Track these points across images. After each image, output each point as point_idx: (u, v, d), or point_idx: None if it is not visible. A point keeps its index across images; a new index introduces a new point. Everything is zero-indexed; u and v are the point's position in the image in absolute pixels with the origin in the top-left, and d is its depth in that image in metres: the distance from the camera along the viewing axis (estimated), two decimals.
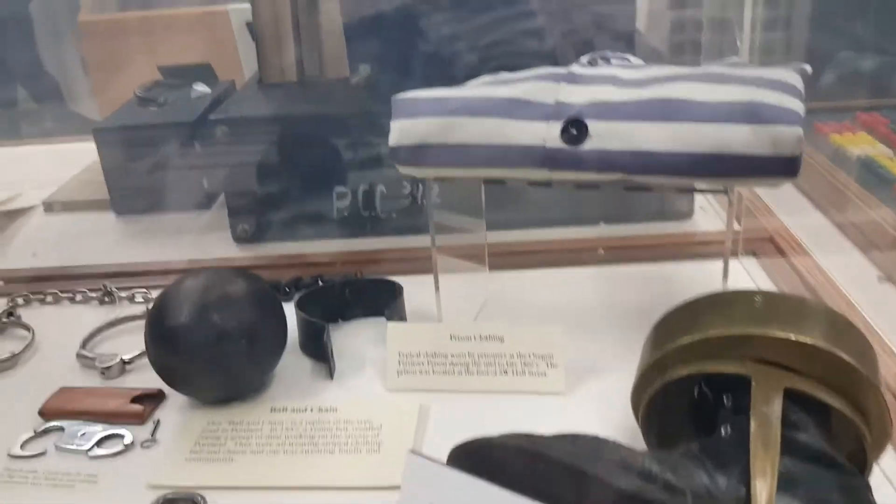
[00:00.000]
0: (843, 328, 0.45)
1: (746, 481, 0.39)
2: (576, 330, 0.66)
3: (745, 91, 0.48)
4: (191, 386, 0.58)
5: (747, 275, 0.73)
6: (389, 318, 0.64)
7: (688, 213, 0.81)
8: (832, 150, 0.88)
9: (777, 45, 1.08)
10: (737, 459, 0.40)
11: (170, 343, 0.56)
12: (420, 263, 0.77)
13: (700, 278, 0.73)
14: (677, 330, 0.47)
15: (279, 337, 0.60)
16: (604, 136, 0.50)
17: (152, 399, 0.61)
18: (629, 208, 0.81)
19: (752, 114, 0.47)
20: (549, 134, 0.51)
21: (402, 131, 0.55)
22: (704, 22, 0.87)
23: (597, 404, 0.57)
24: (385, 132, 0.81)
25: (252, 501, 0.51)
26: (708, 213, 0.83)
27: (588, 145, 0.50)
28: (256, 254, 0.83)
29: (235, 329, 0.56)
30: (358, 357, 0.65)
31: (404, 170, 0.57)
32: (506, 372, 0.59)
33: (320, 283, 0.75)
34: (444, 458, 0.44)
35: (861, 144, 0.87)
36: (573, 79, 0.53)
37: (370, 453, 0.54)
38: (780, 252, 0.73)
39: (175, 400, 0.61)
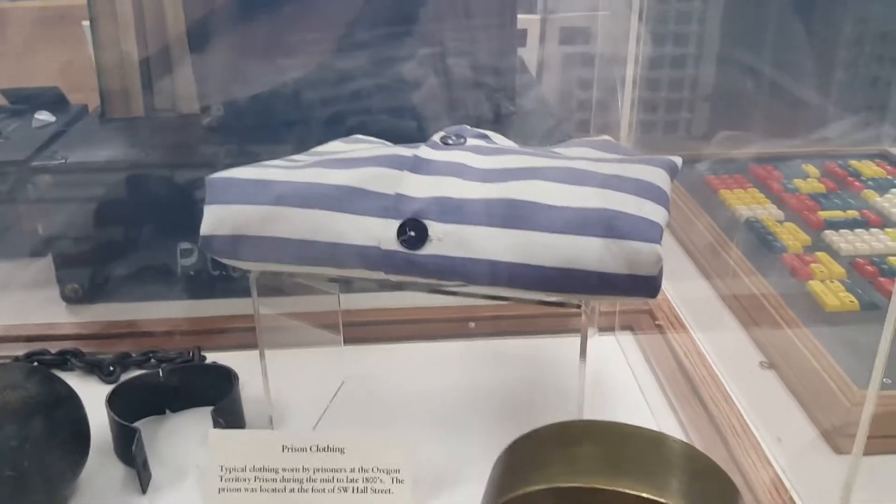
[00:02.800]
0: (709, 478, 0.39)
1: None
2: (436, 425, 0.60)
3: (602, 196, 0.42)
4: None
5: (622, 353, 0.68)
6: (218, 417, 0.56)
7: None
8: (720, 208, 0.83)
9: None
10: None
11: None
12: (276, 334, 0.69)
13: (572, 356, 0.67)
14: (519, 473, 0.40)
15: (78, 450, 0.51)
16: (444, 240, 0.43)
17: None
18: None
19: (607, 226, 0.41)
20: (384, 234, 0.44)
21: (215, 219, 0.47)
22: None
23: None
24: None
25: None
26: None
27: (427, 249, 0.43)
28: (86, 318, 0.73)
29: (18, 448, 0.47)
30: (181, 461, 0.56)
31: (222, 260, 0.49)
32: (345, 489, 0.52)
33: (152, 360, 0.66)
34: None
35: (751, 203, 0.83)
36: (418, 166, 0.46)
37: None
38: (658, 327, 0.68)
39: None
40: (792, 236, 0.76)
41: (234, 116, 0.74)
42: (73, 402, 0.52)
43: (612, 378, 0.65)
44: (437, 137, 0.50)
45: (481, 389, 0.63)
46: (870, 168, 0.92)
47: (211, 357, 0.67)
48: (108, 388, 0.63)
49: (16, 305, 0.75)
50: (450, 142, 0.49)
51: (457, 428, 0.59)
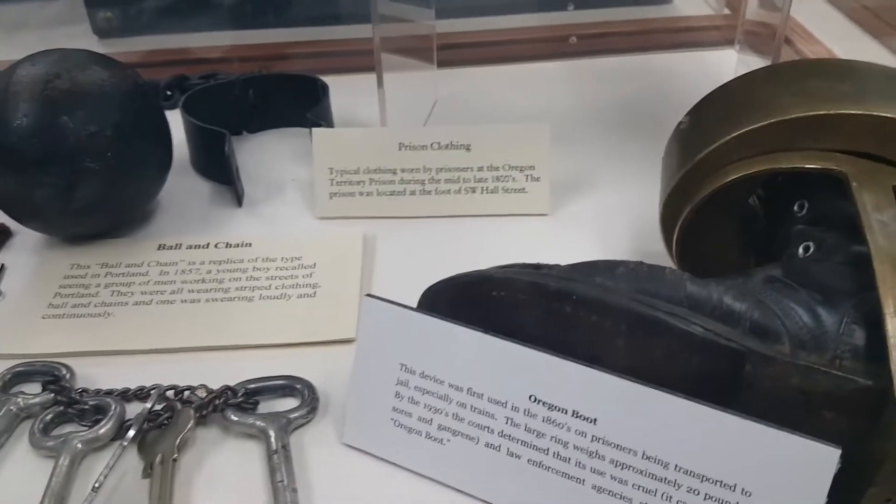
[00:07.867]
0: None
1: (861, 317, 0.27)
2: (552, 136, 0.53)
3: None
4: (41, 218, 0.42)
5: (745, 67, 0.61)
6: (313, 125, 0.48)
7: None
8: None
9: None
10: (839, 287, 0.29)
11: (6, 159, 0.39)
12: (345, 60, 0.61)
13: (690, 71, 0.60)
14: (734, 114, 0.33)
15: (161, 147, 0.44)
16: None
17: None
18: None
19: None
20: None
21: None
22: None
23: (592, 227, 0.44)
24: None
25: (138, 371, 0.36)
26: None
27: None
28: (125, 49, 0.64)
29: (97, 134, 0.39)
30: (273, 178, 0.49)
31: None
32: (472, 190, 0.45)
33: (213, 83, 0.58)
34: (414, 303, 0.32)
35: None
36: None
37: (303, 300, 0.40)
38: (786, 41, 0.61)
39: (25, 237, 0.44)
40: None
41: None
42: (148, 92, 0.44)
43: None
44: None
45: (598, 104, 0.56)
46: None
47: None
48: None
49: (42, 42, 0.65)
50: None
51: (580, 136, 0.52)
